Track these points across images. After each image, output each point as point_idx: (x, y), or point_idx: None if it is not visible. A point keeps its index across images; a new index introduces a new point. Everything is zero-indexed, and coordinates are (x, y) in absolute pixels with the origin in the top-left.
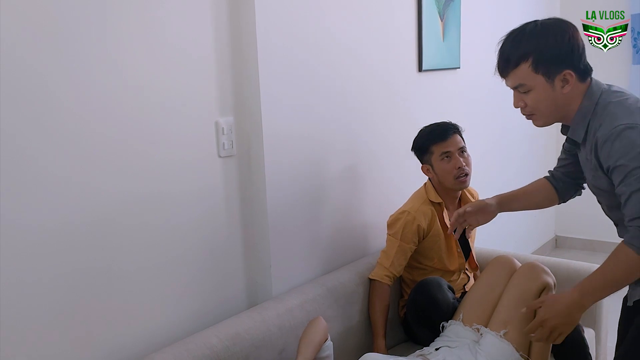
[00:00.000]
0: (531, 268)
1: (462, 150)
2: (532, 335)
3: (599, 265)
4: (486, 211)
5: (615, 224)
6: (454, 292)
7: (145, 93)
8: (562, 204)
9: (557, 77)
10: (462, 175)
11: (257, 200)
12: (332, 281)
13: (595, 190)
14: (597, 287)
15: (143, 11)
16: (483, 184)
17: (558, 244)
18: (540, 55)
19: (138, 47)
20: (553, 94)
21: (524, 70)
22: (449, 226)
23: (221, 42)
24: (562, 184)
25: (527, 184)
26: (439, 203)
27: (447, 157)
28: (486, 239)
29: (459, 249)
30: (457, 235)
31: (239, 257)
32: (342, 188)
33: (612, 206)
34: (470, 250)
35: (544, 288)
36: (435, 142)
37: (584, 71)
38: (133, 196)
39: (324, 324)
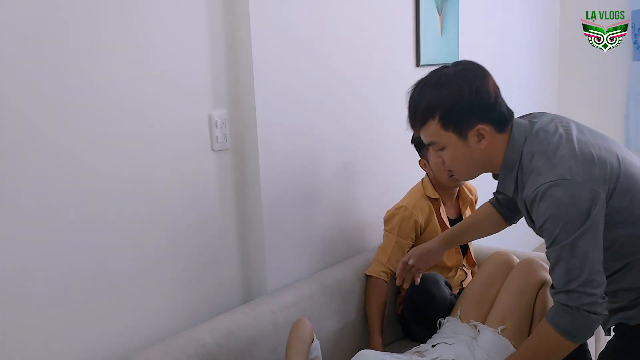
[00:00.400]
0: (529, 264)
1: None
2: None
3: None
4: (430, 256)
5: None
6: (451, 289)
7: (136, 85)
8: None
9: (469, 133)
10: (446, 175)
11: (251, 195)
12: (328, 277)
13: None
14: None
15: (136, 1)
16: (482, 181)
17: None
18: (446, 111)
19: (130, 39)
20: (469, 150)
21: (433, 127)
22: (446, 223)
23: (215, 34)
24: (507, 210)
25: None
26: (436, 199)
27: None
28: None
29: (457, 245)
30: (406, 285)
31: (233, 253)
32: (339, 183)
33: None
34: (468, 246)
35: (543, 284)
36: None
37: (501, 121)
38: (124, 190)
39: (309, 325)
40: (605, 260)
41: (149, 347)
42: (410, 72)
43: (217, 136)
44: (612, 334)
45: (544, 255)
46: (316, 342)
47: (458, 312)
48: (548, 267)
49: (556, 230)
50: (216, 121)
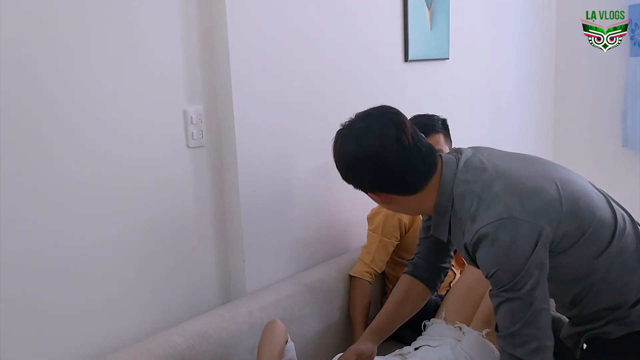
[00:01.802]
0: None
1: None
2: None
3: None
4: (365, 356)
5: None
6: (437, 290)
7: (105, 78)
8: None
9: (372, 194)
10: None
11: (229, 193)
12: (310, 277)
13: None
14: None
15: None
16: None
17: None
18: (342, 173)
19: (98, 29)
20: (385, 203)
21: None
22: None
23: (189, 24)
24: (428, 274)
25: None
26: None
27: None
28: None
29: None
30: None
31: (210, 253)
32: (321, 181)
33: None
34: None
35: None
36: None
37: (408, 187)
38: (95, 188)
39: (282, 326)
40: (565, 289)
41: (115, 352)
42: (398, 68)
43: (192, 132)
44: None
45: None
46: (290, 344)
47: (443, 313)
48: None
49: (500, 274)
50: (191, 117)
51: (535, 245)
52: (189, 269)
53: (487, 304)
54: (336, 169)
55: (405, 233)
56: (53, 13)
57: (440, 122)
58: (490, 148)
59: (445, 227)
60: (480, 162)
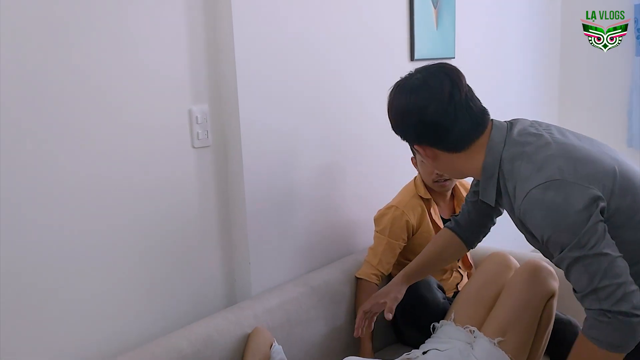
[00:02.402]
0: (537, 270)
1: None
2: None
3: None
4: (392, 297)
5: None
6: (444, 292)
7: (111, 78)
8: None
9: (418, 149)
10: (440, 180)
11: (234, 194)
12: (316, 279)
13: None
14: None
15: None
16: None
17: None
18: (394, 125)
19: (104, 30)
20: (434, 160)
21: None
22: (439, 224)
23: (195, 24)
24: (469, 233)
25: None
26: (427, 199)
27: None
28: None
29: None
30: (359, 333)
31: (215, 255)
32: (327, 182)
33: None
34: None
35: (552, 295)
36: None
37: (457, 143)
38: (98, 189)
39: (265, 332)
40: None
41: (119, 355)
42: (405, 67)
43: (197, 132)
44: None
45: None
46: (277, 347)
47: (452, 315)
48: (555, 274)
49: (560, 236)
50: (197, 117)
51: (590, 206)
52: (193, 270)
53: (503, 310)
54: (387, 118)
55: (413, 235)
56: (58, 12)
57: None
58: (550, 124)
59: (492, 191)
60: (536, 129)
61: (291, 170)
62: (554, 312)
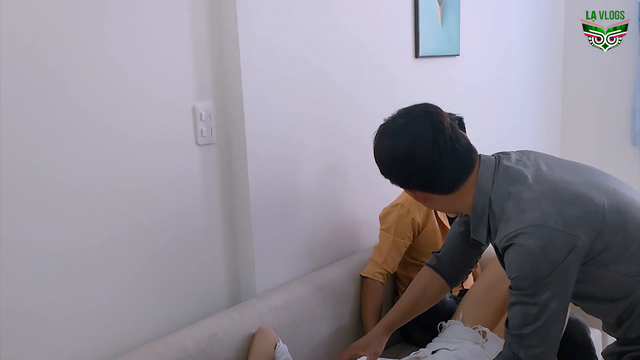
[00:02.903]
0: None
1: None
2: None
3: None
4: (369, 350)
5: None
6: (451, 291)
7: (113, 73)
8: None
9: (409, 192)
10: None
11: (239, 191)
12: (321, 278)
13: None
14: None
15: None
16: None
17: None
18: (382, 171)
19: (107, 24)
20: (425, 200)
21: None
22: (445, 223)
23: (199, 20)
24: (451, 270)
25: None
26: None
27: None
28: None
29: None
30: None
31: (219, 253)
32: (333, 179)
33: None
34: None
35: None
36: None
37: (446, 187)
38: (101, 187)
39: (269, 331)
40: (609, 308)
41: (124, 354)
42: (409, 64)
43: (201, 129)
44: None
45: None
46: (282, 347)
47: (460, 315)
48: None
49: (523, 280)
50: (201, 113)
51: (566, 257)
52: (198, 269)
53: None
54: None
55: (419, 233)
56: (62, 8)
57: (456, 122)
58: (539, 152)
59: (484, 230)
60: (524, 165)
61: (296, 168)
62: (568, 315)
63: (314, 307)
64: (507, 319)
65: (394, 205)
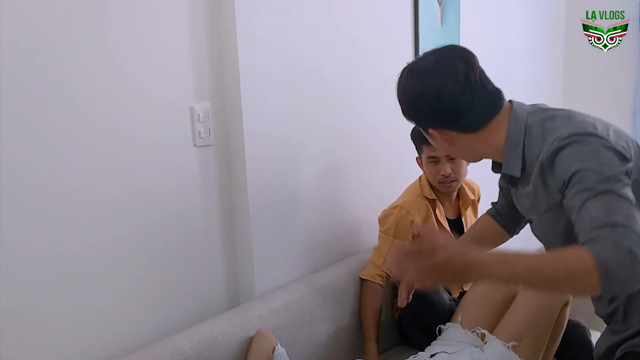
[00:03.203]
0: None
1: (452, 156)
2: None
3: None
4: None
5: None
6: (450, 293)
7: (110, 73)
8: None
9: (432, 132)
10: (446, 182)
11: (237, 193)
12: (320, 280)
13: (533, 221)
14: (515, 269)
15: None
16: (485, 178)
17: None
18: (406, 109)
19: (105, 23)
20: (448, 143)
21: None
22: (444, 225)
23: (197, 20)
24: (507, 220)
25: None
26: (432, 199)
27: (433, 161)
28: None
29: None
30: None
31: (218, 255)
32: (332, 181)
33: (568, 238)
34: None
35: (566, 303)
36: (424, 142)
37: (474, 124)
38: (98, 188)
39: (268, 334)
40: None
41: (121, 357)
42: None
43: (199, 131)
44: None
45: None
46: (280, 350)
47: (459, 318)
48: None
49: (588, 171)
50: (199, 115)
51: (621, 159)
52: (196, 271)
53: (518, 315)
54: (399, 104)
55: (418, 235)
56: (61, 9)
57: None
58: None
59: (518, 161)
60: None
61: (295, 169)
62: (567, 319)
63: (313, 308)
64: (579, 229)
65: (393, 207)
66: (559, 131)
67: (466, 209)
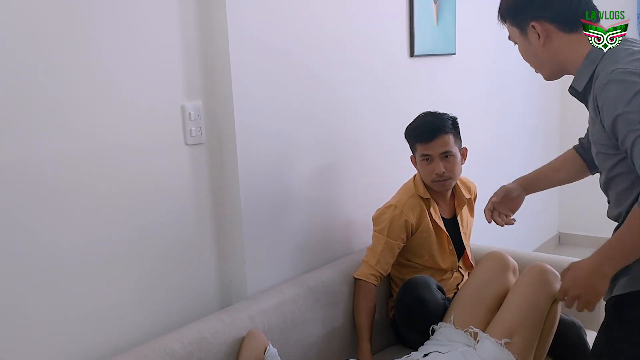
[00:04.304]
0: (543, 273)
1: (445, 154)
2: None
3: None
4: (510, 197)
5: (608, 202)
6: (443, 292)
7: (101, 73)
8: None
9: (527, 30)
10: (440, 180)
11: (229, 192)
12: (313, 280)
13: (595, 152)
14: (614, 253)
15: None
16: (482, 175)
17: (561, 241)
18: (504, 4)
19: (96, 22)
20: (531, 48)
21: (506, 25)
22: (439, 224)
23: (188, 19)
24: (591, 155)
25: (529, 171)
26: (427, 198)
27: (426, 159)
28: (485, 235)
29: (451, 247)
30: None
31: (209, 254)
32: (324, 179)
33: (609, 178)
34: (464, 247)
35: (556, 299)
36: (418, 141)
37: (569, 17)
38: (88, 188)
39: (259, 335)
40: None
41: (111, 357)
42: (404, 64)
43: (191, 129)
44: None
45: (549, 257)
46: (271, 350)
47: (452, 317)
48: (559, 277)
49: (631, 112)
50: (190, 113)
51: None
52: (188, 271)
53: (509, 312)
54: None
55: (412, 235)
56: (50, 9)
57: (450, 122)
58: None
59: (586, 77)
60: None
61: (287, 168)
62: (559, 314)
63: (306, 309)
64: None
65: (387, 207)
66: (614, 65)
67: (461, 208)
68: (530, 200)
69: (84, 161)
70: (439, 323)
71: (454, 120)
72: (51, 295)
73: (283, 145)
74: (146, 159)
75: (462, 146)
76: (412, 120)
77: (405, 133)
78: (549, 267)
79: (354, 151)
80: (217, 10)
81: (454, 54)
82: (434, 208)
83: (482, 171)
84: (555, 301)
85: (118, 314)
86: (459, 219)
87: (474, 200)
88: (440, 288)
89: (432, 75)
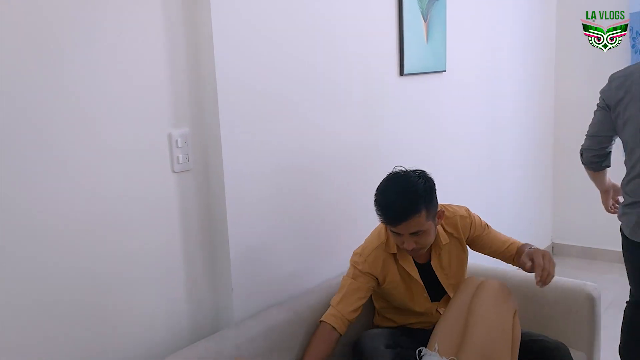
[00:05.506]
0: (499, 290)
1: (416, 233)
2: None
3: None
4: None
5: None
6: (400, 346)
7: (87, 100)
8: None
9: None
10: (411, 252)
11: (216, 219)
12: (301, 305)
13: None
14: None
15: (92, 11)
16: (472, 195)
17: (555, 251)
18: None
19: (82, 47)
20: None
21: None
22: (409, 272)
23: (174, 45)
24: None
25: (518, 193)
26: (393, 253)
27: (396, 234)
28: None
29: (426, 294)
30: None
31: (197, 281)
32: (313, 205)
33: None
34: (445, 292)
35: (515, 312)
36: (385, 221)
37: None
38: (74, 215)
39: None
40: None
41: None
42: (393, 82)
43: (178, 157)
44: None
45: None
46: None
47: (436, 346)
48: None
49: None
50: (177, 140)
51: None
52: (173, 298)
53: (480, 336)
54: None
55: (379, 285)
56: (39, 31)
57: (423, 195)
58: None
59: None
60: None
61: (275, 193)
62: (519, 326)
63: (293, 335)
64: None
65: (356, 252)
66: None
67: (438, 254)
68: (524, 211)
69: (69, 189)
70: (424, 350)
71: (427, 189)
72: (35, 327)
73: (271, 171)
74: (134, 186)
75: (438, 210)
76: (380, 186)
77: (374, 201)
78: (502, 282)
79: (345, 173)
80: (205, 37)
81: (445, 71)
82: (405, 258)
83: (473, 189)
84: (515, 313)
85: (103, 341)
86: (432, 264)
87: (466, 235)
88: (398, 343)
89: (423, 93)
